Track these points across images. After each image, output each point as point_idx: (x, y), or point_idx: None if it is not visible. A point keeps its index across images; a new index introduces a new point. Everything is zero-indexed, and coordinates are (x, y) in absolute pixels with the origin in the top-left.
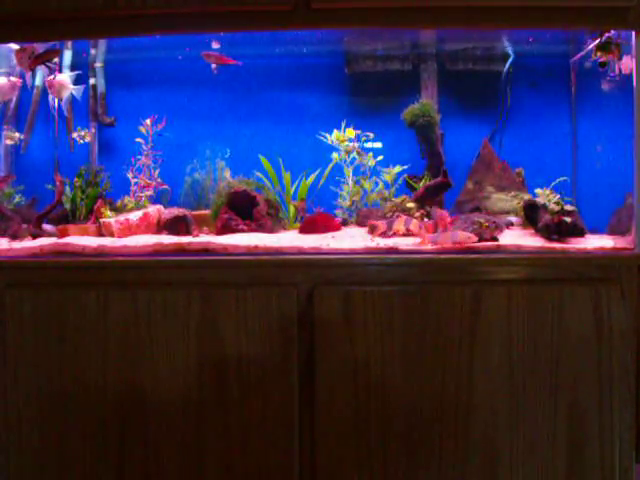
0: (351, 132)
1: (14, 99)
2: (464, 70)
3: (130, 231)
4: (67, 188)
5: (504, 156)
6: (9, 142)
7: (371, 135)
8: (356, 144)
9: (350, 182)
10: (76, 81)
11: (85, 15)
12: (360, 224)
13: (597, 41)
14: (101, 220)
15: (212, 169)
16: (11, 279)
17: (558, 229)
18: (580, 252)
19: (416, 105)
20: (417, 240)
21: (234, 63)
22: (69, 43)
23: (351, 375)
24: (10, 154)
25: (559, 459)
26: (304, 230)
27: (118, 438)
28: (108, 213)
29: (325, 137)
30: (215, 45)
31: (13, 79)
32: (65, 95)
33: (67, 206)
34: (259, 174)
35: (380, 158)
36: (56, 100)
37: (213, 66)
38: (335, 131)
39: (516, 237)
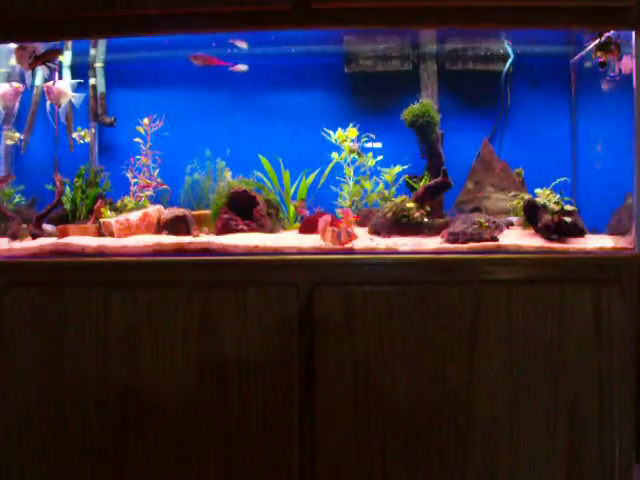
0: (354, 132)
1: (17, 105)
2: (464, 70)
3: (130, 231)
4: (67, 188)
5: (504, 156)
6: (9, 142)
7: (373, 136)
8: (356, 145)
9: (350, 182)
10: (77, 88)
11: (85, 15)
12: (361, 224)
13: (597, 41)
14: (101, 220)
15: (212, 169)
16: (11, 279)
17: (558, 229)
18: (580, 252)
19: (416, 105)
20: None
21: (223, 64)
22: (69, 43)
23: (351, 375)
24: (10, 154)
25: (559, 459)
26: (304, 230)
27: (118, 438)
28: (108, 213)
29: (329, 134)
30: (241, 44)
31: (16, 85)
32: (64, 103)
33: (67, 206)
34: (259, 174)
35: (380, 158)
36: (56, 106)
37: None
38: (339, 130)
39: (516, 237)
